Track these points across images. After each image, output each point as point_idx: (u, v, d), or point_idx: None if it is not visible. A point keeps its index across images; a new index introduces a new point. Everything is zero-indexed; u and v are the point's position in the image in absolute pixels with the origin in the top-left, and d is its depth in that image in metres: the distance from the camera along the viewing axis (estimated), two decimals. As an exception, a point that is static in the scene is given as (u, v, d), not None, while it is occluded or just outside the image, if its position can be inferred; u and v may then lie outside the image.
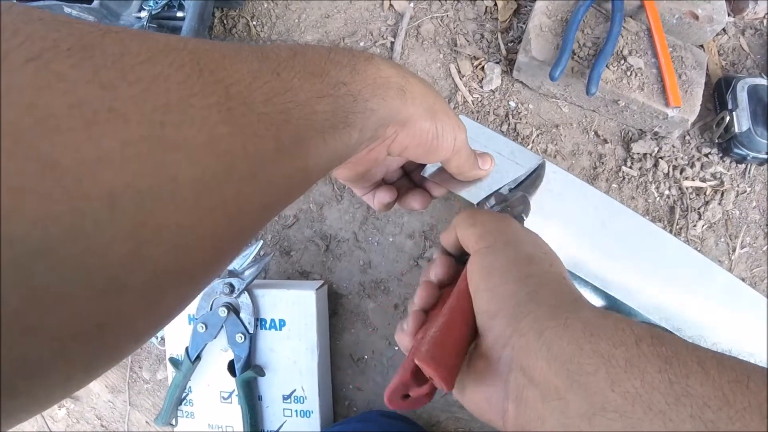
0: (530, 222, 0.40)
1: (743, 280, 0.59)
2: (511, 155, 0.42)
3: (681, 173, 0.56)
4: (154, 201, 0.14)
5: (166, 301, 0.17)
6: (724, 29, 0.62)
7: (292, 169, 0.21)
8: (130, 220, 0.14)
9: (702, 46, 0.61)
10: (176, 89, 0.15)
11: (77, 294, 0.13)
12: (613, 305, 0.51)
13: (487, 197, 0.40)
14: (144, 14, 0.57)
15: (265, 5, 0.61)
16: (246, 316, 0.52)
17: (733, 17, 0.63)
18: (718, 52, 0.62)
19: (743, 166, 0.57)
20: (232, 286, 0.51)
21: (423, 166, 0.39)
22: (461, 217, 0.31)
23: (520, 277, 0.26)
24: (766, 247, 0.58)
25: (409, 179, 0.41)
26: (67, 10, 0.54)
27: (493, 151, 0.42)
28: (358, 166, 0.32)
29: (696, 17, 0.57)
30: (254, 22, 0.61)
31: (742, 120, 0.54)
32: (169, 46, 0.16)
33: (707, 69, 0.61)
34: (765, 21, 0.63)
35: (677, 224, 0.56)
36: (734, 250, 0.58)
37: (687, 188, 0.56)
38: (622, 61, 0.54)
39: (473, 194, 0.40)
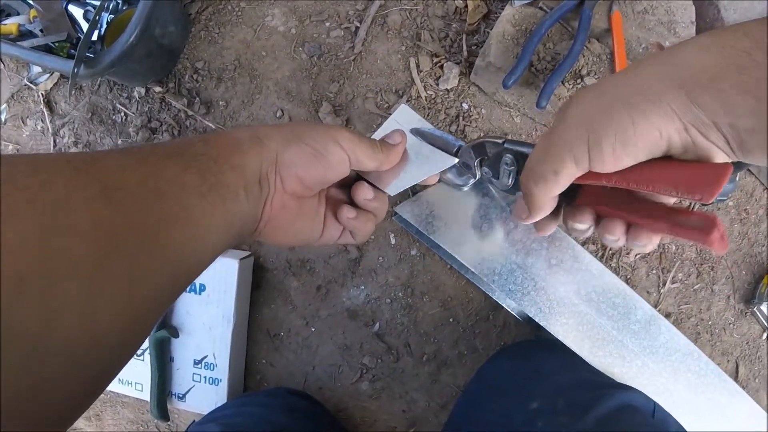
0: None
1: (669, 314, 0.59)
2: (445, 147, 0.42)
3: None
4: (58, 279, 0.18)
5: (90, 363, 0.20)
6: (691, 65, 0.62)
7: (182, 236, 0.24)
8: (38, 296, 0.17)
9: (667, 78, 0.61)
10: (61, 189, 0.19)
11: (7, 359, 0.16)
12: (530, 319, 0.52)
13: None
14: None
15: (240, -27, 0.61)
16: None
17: (703, 55, 0.63)
18: (682, 87, 0.62)
19: (687, 201, 0.57)
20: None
21: None
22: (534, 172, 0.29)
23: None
24: (698, 285, 0.59)
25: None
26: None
27: (427, 142, 0.41)
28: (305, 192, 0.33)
29: (662, 49, 0.57)
30: (226, -12, 0.60)
31: None
32: (50, 159, 0.21)
33: (668, 102, 0.61)
34: (734, 64, 0.63)
35: (610, 250, 0.57)
36: (664, 284, 0.58)
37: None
38: (579, 80, 0.54)
39: (392, 186, 0.40)
